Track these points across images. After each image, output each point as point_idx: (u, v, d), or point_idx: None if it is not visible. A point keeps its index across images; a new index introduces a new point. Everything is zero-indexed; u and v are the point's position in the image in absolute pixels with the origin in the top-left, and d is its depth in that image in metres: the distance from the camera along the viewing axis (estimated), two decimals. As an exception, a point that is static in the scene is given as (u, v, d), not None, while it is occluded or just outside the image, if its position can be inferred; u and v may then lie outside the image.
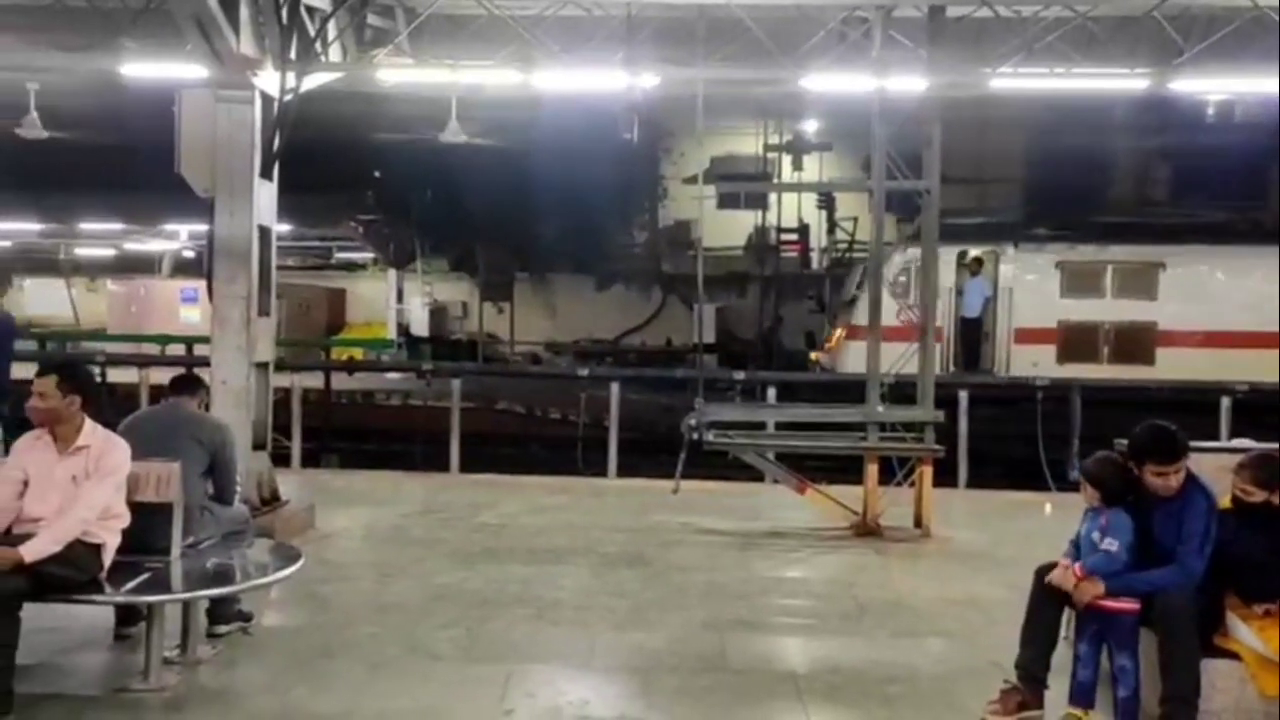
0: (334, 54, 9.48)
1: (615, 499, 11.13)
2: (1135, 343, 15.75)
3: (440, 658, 5.62)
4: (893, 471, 9.40)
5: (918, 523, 9.16)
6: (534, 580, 7.29)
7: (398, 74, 9.79)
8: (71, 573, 4.66)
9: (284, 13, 8.57)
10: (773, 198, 20.91)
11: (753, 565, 8.03)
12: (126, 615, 5.54)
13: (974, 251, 16.64)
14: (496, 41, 9.51)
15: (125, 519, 4.94)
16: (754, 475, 10.60)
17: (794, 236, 22.53)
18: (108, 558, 4.85)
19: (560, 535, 8.91)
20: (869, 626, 6.43)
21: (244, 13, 8.29)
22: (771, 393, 14.03)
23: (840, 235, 20.98)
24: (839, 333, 17.25)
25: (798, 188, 20.28)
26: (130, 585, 4.88)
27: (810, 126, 21.88)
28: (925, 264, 9.76)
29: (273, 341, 9.11)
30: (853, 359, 15.45)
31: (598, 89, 10.37)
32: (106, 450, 4.88)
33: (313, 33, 9.05)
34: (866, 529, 9.07)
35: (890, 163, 9.44)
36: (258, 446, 8.68)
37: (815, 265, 23.11)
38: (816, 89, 10.21)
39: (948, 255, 15.83)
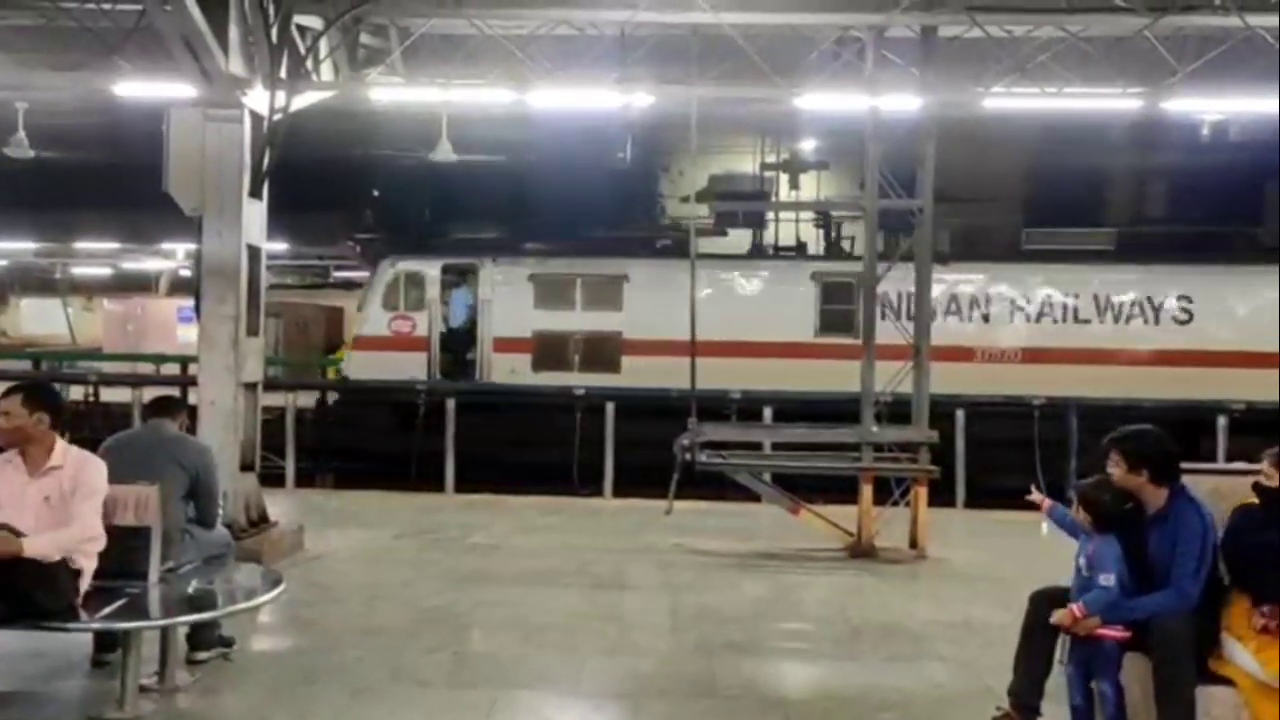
0: (326, 73, 9.46)
1: (610, 519, 11.05)
2: (603, 351, 16.37)
3: (425, 683, 5.53)
4: (889, 491, 9.33)
5: (913, 543, 9.08)
6: (523, 602, 7.20)
7: (389, 93, 9.79)
8: (51, 597, 4.56)
9: (274, 32, 8.55)
10: (770, 216, 20.89)
11: (745, 587, 7.94)
12: (104, 641, 5.43)
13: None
14: (490, 60, 9.50)
15: (102, 542, 4.85)
16: (749, 495, 10.52)
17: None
18: (85, 583, 4.76)
19: (552, 556, 8.83)
20: (862, 650, 6.35)
21: (233, 32, 8.26)
22: (768, 412, 13.99)
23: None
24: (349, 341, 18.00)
25: (794, 206, 20.23)
26: (107, 611, 4.78)
27: (807, 145, 21.89)
28: (920, 283, 9.70)
29: (262, 361, 9.04)
30: (355, 368, 16.67)
31: (592, 107, 10.35)
32: (83, 468, 4.79)
33: (303, 51, 9.03)
34: (861, 550, 8.99)
35: (884, 181, 9.41)
36: (246, 467, 8.60)
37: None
38: (810, 108, 10.20)
39: (434, 269, 16.93)
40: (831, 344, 15.31)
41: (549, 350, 16.43)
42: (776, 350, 15.69)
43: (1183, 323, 15.72)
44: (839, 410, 11.08)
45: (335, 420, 16.63)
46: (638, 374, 15.53)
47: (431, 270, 16.87)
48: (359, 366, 16.66)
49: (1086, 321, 15.81)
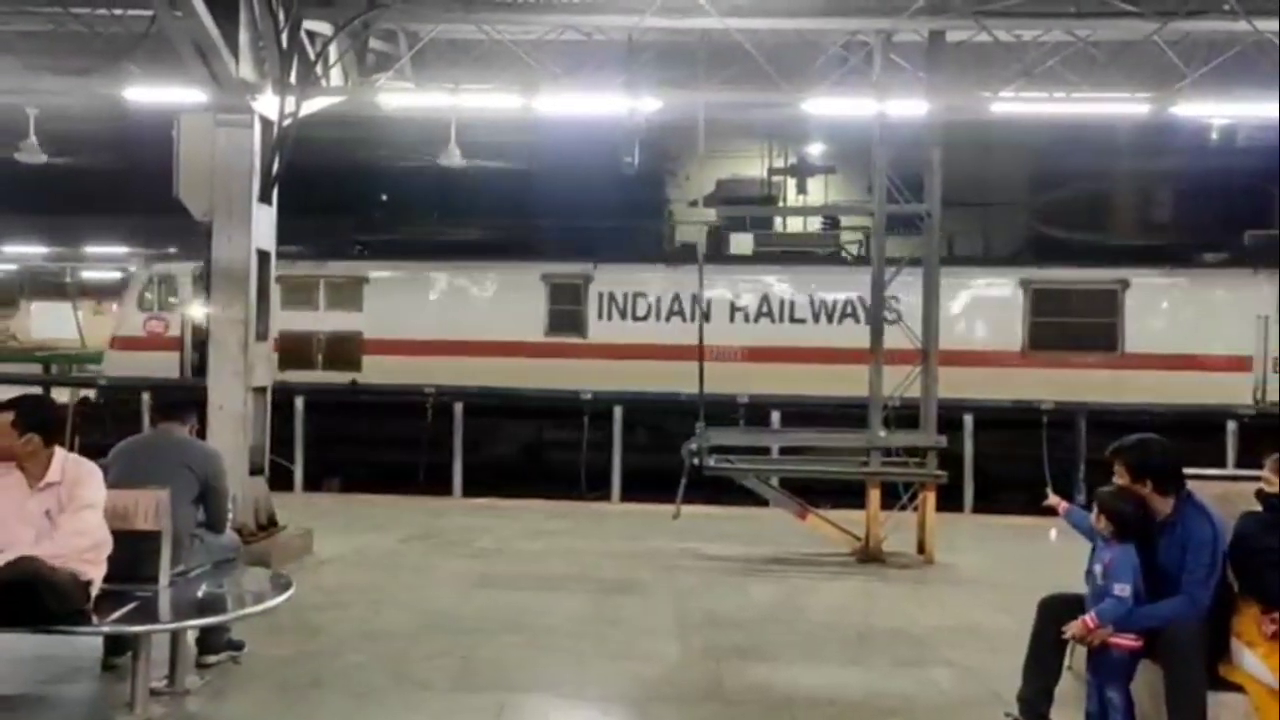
0: (335, 78, 9.50)
1: (616, 523, 11.05)
2: (344, 350, 16.89)
3: (429, 687, 5.54)
4: (896, 496, 9.32)
5: (921, 548, 9.07)
6: (529, 607, 7.21)
7: (398, 98, 9.82)
8: (60, 604, 4.58)
9: (284, 37, 8.59)
10: (777, 221, 20.90)
11: (752, 592, 7.94)
12: (114, 645, 5.46)
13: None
14: (498, 65, 9.54)
15: (109, 548, 4.87)
16: (757, 500, 10.52)
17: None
18: (95, 589, 4.77)
19: (558, 561, 8.84)
20: (868, 655, 6.34)
21: (243, 37, 8.30)
22: (776, 416, 13.99)
23: (845, 258, 20.96)
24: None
25: (800, 211, 20.26)
26: (117, 615, 4.80)
27: (814, 150, 21.91)
28: (927, 289, 9.70)
29: (271, 366, 9.06)
30: (113, 366, 17.32)
31: (599, 112, 10.38)
32: (78, 483, 4.79)
33: (313, 57, 9.08)
34: (869, 555, 8.98)
35: (892, 186, 9.41)
36: (255, 471, 8.63)
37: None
38: (817, 112, 10.20)
39: (185, 272, 17.25)
40: (559, 343, 16.19)
41: (294, 349, 16.70)
42: (507, 349, 16.21)
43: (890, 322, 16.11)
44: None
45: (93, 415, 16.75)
46: (377, 372, 16.31)
47: (183, 273, 17.40)
48: (116, 365, 17.31)
49: (803, 321, 16.24)
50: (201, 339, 16.35)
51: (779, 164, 21.94)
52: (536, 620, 6.86)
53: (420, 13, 9.17)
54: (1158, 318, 15.34)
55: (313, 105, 8.98)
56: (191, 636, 5.37)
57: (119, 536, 4.96)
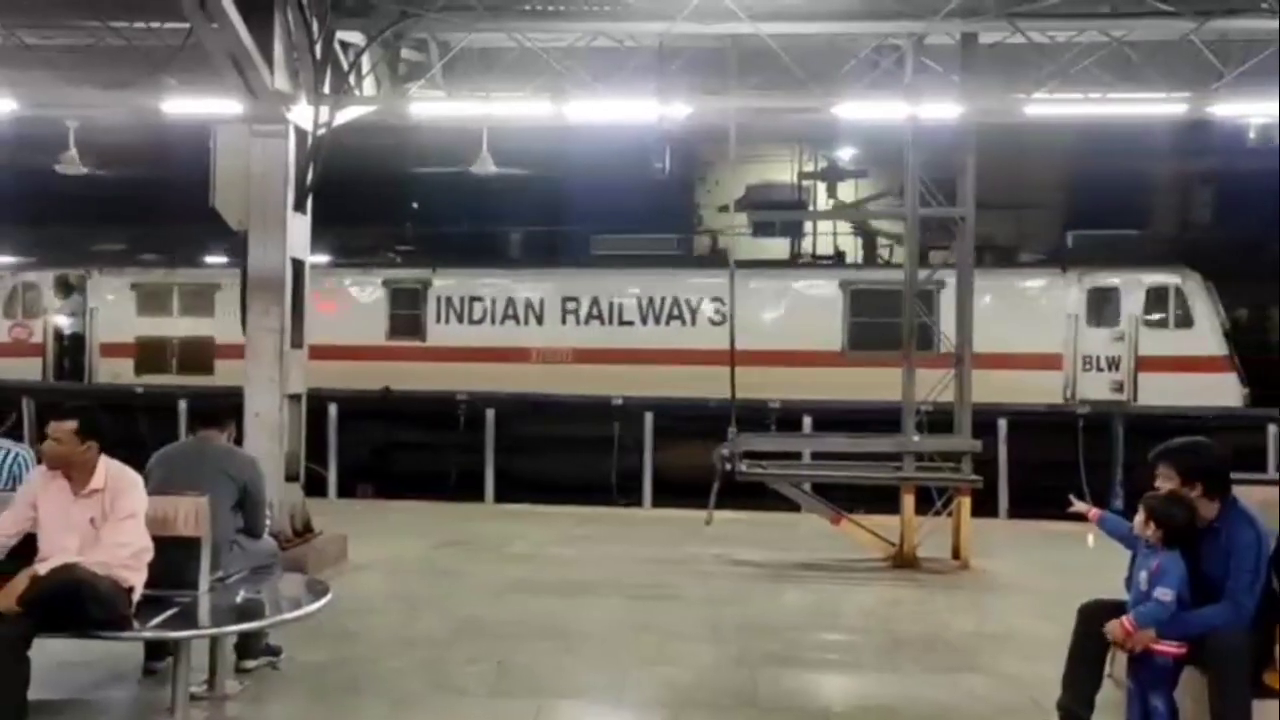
0: (368, 87, 9.58)
1: (649, 529, 11.06)
2: (198, 355, 17.51)
3: (466, 693, 5.56)
4: (929, 501, 9.26)
5: (956, 554, 9.00)
6: (563, 613, 7.22)
7: (430, 107, 9.87)
8: (103, 611, 4.64)
9: (318, 48, 8.68)
10: (808, 225, 20.85)
11: (786, 598, 7.91)
12: (155, 650, 5.52)
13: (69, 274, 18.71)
14: (529, 73, 9.56)
15: (150, 553, 4.93)
16: (790, 505, 10.48)
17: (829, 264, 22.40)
18: (136, 595, 4.83)
19: (591, 567, 8.85)
20: (904, 662, 6.29)
21: (278, 48, 8.38)
22: (807, 421, 13.98)
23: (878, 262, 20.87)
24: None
25: (831, 215, 20.18)
26: (158, 620, 4.85)
27: (845, 154, 21.82)
28: (961, 291, 9.63)
29: (305, 373, 9.13)
30: None
31: (630, 119, 10.40)
32: (121, 492, 4.84)
33: (346, 67, 9.16)
34: (903, 560, 8.92)
35: (924, 189, 9.36)
36: (291, 478, 8.70)
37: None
38: (848, 117, 10.17)
39: (47, 280, 18.41)
40: (400, 346, 17.04)
41: (150, 354, 17.71)
42: (352, 353, 16.63)
43: (717, 324, 16.28)
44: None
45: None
46: (230, 376, 16.45)
47: (45, 282, 18.26)
48: None
49: (631, 323, 16.76)
50: (64, 344, 18.31)
51: (808, 168, 21.87)
52: (571, 626, 6.88)
53: (452, 22, 9.21)
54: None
55: (346, 115, 9.06)
56: (230, 642, 5.42)
57: (160, 542, 5.01)
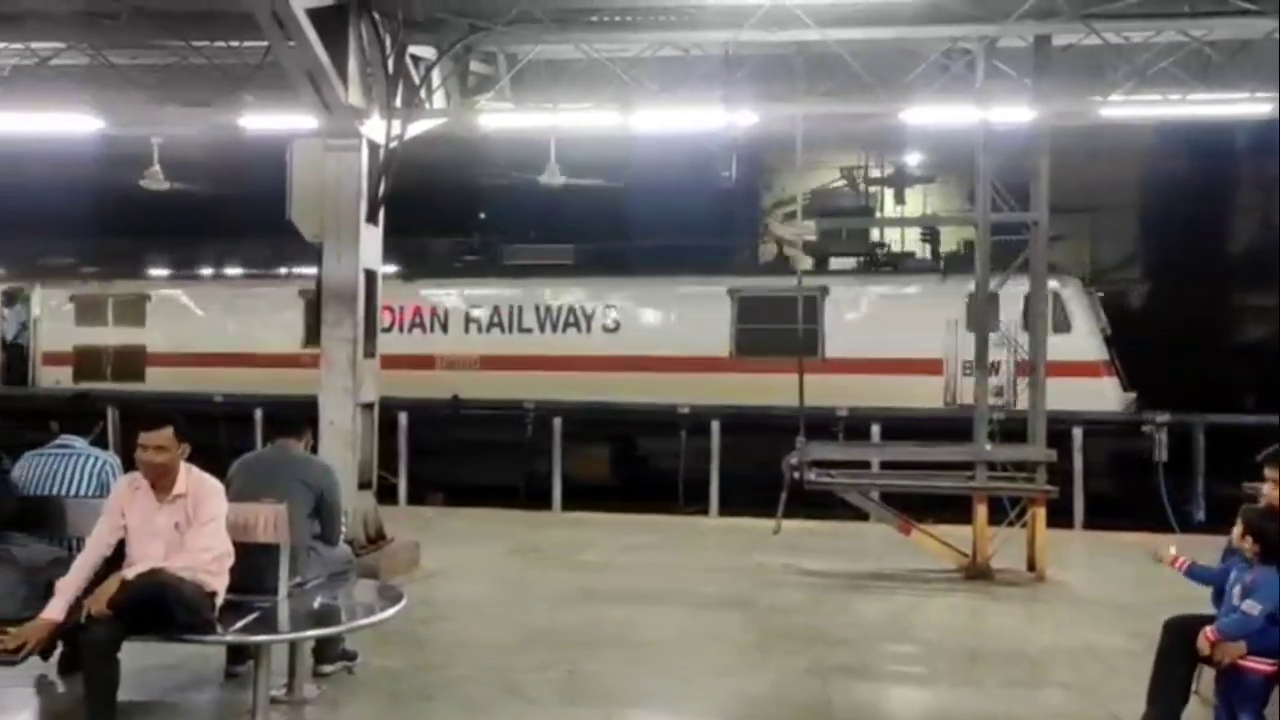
0: (438, 100, 9.72)
1: (715, 538, 11.03)
2: (131, 363, 18.39)
3: (537, 701, 5.59)
4: (1004, 511, 9.09)
5: (1031, 565, 8.82)
6: (632, 621, 7.23)
7: (498, 119, 10.00)
8: (188, 615, 4.76)
9: (390, 63, 8.84)
10: (874, 232, 20.66)
11: (857, 608, 7.82)
12: (236, 654, 5.64)
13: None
14: (596, 83, 9.63)
15: (231, 558, 5.04)
16: (858, 514, 10.38)
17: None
18: (219, 599, 4.95)
19: (659, 575, 8.85)
20: (981, 675, 6.18)
21: (352, 64, 8.55)
22: (876, 430, 13.85)
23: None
24: None
25: (899, 222, 19.93)
26: (240, 625, 4.95)
27: (913, 159, 21.57)
28: (1033, 299, 9.45)
29: (378, 382, 9.27)
30: None
31: (696, 128, 10.41)
32: (202, 497, 4.96)
33: (417, 81, 9.31)
34: (976, 572, 8.77)
35: (996, 194, 9.21)
36: (363, 485, 8.84)
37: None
38: (917, 122, 10.06)
39: None
40: (315, 354, 16.95)
41: (87, 362, 18.54)
42: (269, 361, 17.37)
43: (611, 331, 16.78)
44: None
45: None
46: (158, 382, 17.82)
47: None
48: None
49: (529, 331, 17.13)
50: (9, 352, 19.67)
51: (875, 174, 21.65)
52: (640, 635, 6.88)
53: (519, 35, 9.31)
54: (855, 324, 16.04)
55: (417, 128, 9.21)
56: (308, 646, 5.52)
57: (240, 549, 5.12)
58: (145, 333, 18.67)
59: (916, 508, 10.07)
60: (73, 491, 5.43)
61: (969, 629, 7.24)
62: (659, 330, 16.87)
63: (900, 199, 20.95)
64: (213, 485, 5.07)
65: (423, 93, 9.42)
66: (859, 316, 16.26)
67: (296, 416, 6.46)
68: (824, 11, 8.62)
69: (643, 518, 11.95)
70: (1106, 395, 15.14)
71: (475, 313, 17.40)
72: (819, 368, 15.37)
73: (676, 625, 7.21)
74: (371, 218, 8.95)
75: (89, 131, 10.44)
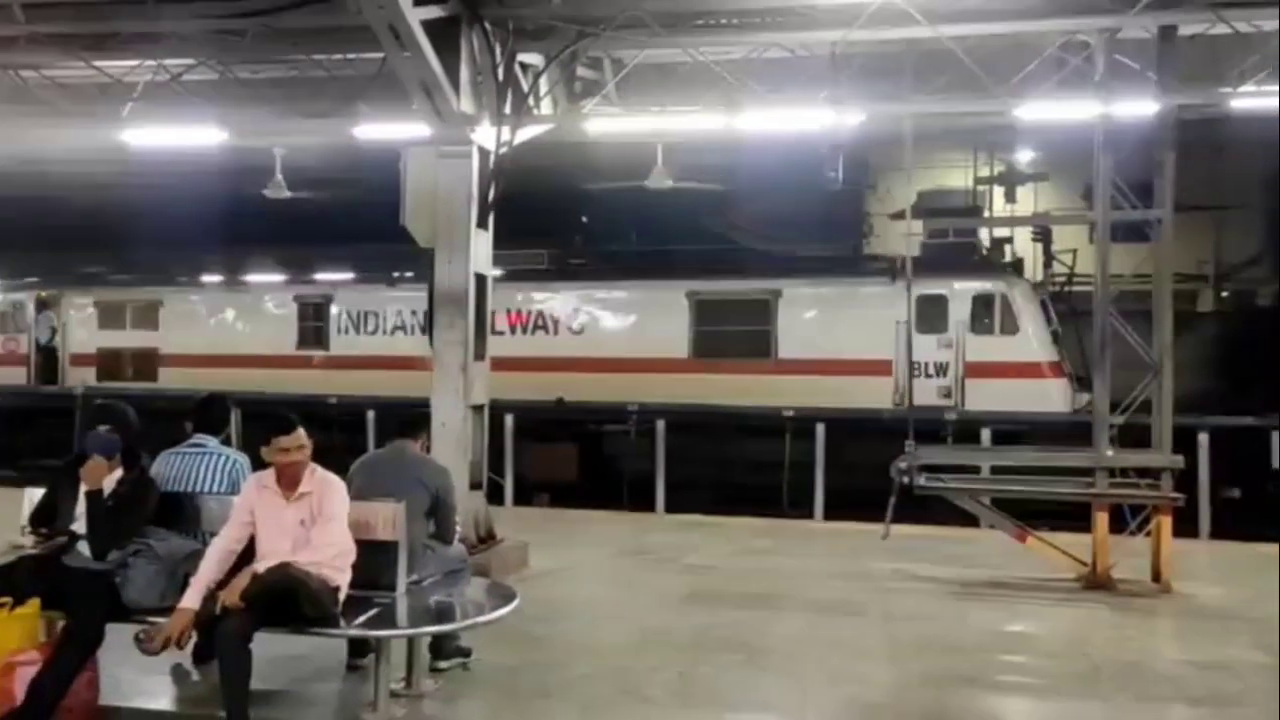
0: (545, 106, 9.84)
1: (823, 542, 10.90)
2: (146, 363, 20.02)
3: (653, 702, 5.60)
4: (1124, 520, 8.77)
5: (1155, 576, 8.48)
6: (743, 625, 7.19)
7: (605, 123, 10.08)
8: (315, 608, 4.92)
9: (500, 71, 8.99)
10: (983, 232, 20.20)
11: (972, 616, 7.64)
12: (357, 647, 5.81)
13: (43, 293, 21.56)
14: (701, 86, 9.63)
15: (353, 555, 5.19)
16: (968, 520, 10.15)
17: (1007, 271, 21.60)
18: (343, 594, 5.10)
19: (767, 579, 8.79)
20: (1106, 690, 5.97)
21: (464, 73, 8.72)
22: (986, 434, 13.57)
23: (1058, 269, 20.00)
24: None
25: (1011, 221, 19.40)
26: (361, 620, 5.10)
27: (1024, 156, 21.00)
28: (1158, 302, 9.09)
29: (488, 385, 9.42)
30: None
31: (802, 128, 10.32)
32: (326, 495, 5.13)
33: (526, 88, 9.44)
34: (1097, 582, 8.48)
35: (1116, 191, 8.90)
36: (474, 486, 8.98)
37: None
38: (1033, 118, 9.79)
39: (30, 299, 21.32)
40: (306, 355, 18.96)
41: (108, 363, 20.24)
42: (267, 361, 18.79)
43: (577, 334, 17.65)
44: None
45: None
46: (169, 382, 19.12)
47: (29, 301, 21.36)
48: None
49: (501, 334, 17.23)
50: (42, 355, 21.24)
51: (985, 173, 21.16)
52: (752, 639, 6.84)
53: (627, 39, 9.36)
54: (807, 325, 16.51)
55: (525, 134, 9.34)
56: (425, 642, 5.64)
57: (360, 546, 5.27)
58: (159, 335, 20.31)
59: (1025, 515, 9.82)
60: (206, 488, 5.65)
61: (1091, 640, 6.99)
62: (620, 332, 17.49)
63: (1011, 197, 20.44)
64: (336, 484, 5.23)
65: (531, 99, 9.55)
66: (810, 318, 16.72)
67: (414, 418, 6.61)
68: (936, 8, 8.45)
69: (748, 521, 11.88)
70: (1052, 396, 15.18)
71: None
72: (771, 369, 16.41)
73: (788, 630, 7.15)
74: (482, 223, 9.09)
75: (214, 143, 10.94)
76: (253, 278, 20.76)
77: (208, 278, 21.17)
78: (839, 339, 15.99)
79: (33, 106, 10.71)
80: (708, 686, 5.88)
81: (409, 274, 18.12)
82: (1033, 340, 15.58)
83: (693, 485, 14.55)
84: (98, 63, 10.27)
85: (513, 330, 17.66)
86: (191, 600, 4.87)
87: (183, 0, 9.09)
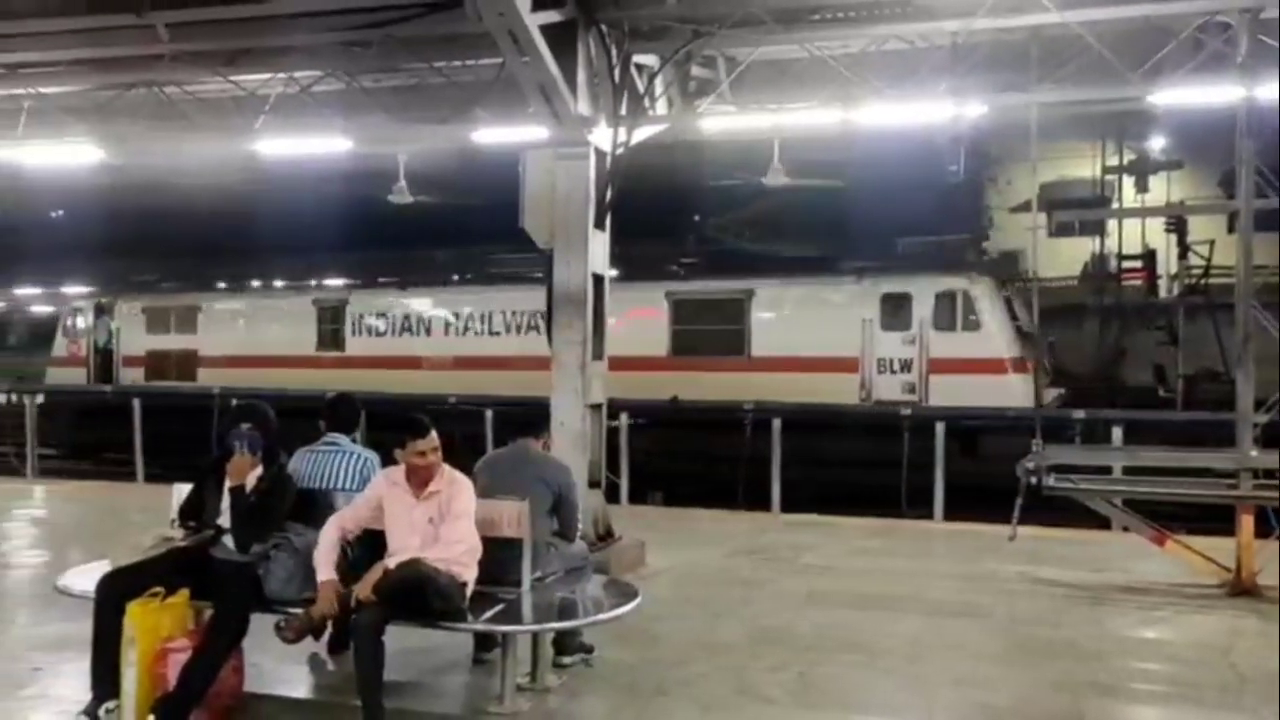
0: (660, 106, 9.88)
1: (942, 543, 10.68)
2: (188, 364, 21.68)
3: (772, 702, 5.58)
4: (1269, 523, 8.33)
5: (1305, 584, 8.04)
6: (862, 626, 7.10)
7: (721, 121, 10.06)
8: (444, 603, 5.05)
9: (616, 73, 9.07)
10: (1112, 223, 19.47)
11: (1106, 622, 7.38)
12: (482, 641, 5.94)
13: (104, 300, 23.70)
14: (818, 82, 9.53)
15: (479, 552, 5.31)
16: (1097, 523, 9.79)
17: (1138, 264, 20.78)
18: (469, 590, 5.23)
19: (887, 580, 8.65)
20: (1254, 702, 5.69)
21: (581, 76, 8.83)
22: (1117, 433, 13.07)
23: (1194, 260, 19.14)
24: None
25: (1143, 212, 18.65)
26: (487, 615, 5.22)
27: (1156, 144, 20.16)
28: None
29: (605, 384, 9.51)
30: (51, 380, 23.09)
31: (922, 121, 10.12)
32: (454, 494, 5.25)
33: (641, 89, 9.50)
34: (1241, 588, 8.08)
35: (1260, 179, 8.46)
36: (593, 485, 9.08)
37: (1164, 293, 21.19)
38: (1168, 104, 9.38)
39: (90, 306, 23.47)
40: (325, 356, 20.17)
41: (156, 364, 22.01)
42: (290, 362, 20.10)
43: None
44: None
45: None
46: (210, 380, 20.48)
47: (89, 308, 23.51)
48: (53, 379, 23.24)
49: (498, 334, 19.15)
50: (101, 356, 23.15)
51: (1113, 162, 20.40)
52: (872, 640, 6.75)
53: (742, 37, 9.33)
54: (779, 324, 17.02)
55: (641, 134, 9.40)
56: (549, 637, 5.74)
57: (486, 543, 5.39)
58: (198, 338, 22.05)
59: (1153, 518, 9.42)
60: (339, 485, 5.85)
61: (1236, 649, 6.67)
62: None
63: (1142, 187, 19.64)
64: (464, 482, 5.36)
65: (646, 100, 9.60)
66: (782, 317, 17.17)
67: (536, 417, 6.72)
68: (1061, -7, 8.19)
69: (865, 521, 11.71)
70: (1013, 391, 15.22)
71: (453, 318, 19.66)
72: (745, 366, 16.80)
73: (909, 631, 7.02)
74: (599, 223, 9.18)
75: (340, 151, 11.34)
76: (282, 284, 23.23)
77: (239, 285, 23.47)
78: (808, 337, 16.53)
79: (175, 122, 11.27)
80: (828, 687, 5.82)
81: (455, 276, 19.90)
82: (995, 337, 15.86)
83: (805, 484, 14.44)
84: (233, 77, 10.74)
85: (507, 331, 18.81)
86: (327, 572, 5.05)
87: (314, 15, 9.43)
